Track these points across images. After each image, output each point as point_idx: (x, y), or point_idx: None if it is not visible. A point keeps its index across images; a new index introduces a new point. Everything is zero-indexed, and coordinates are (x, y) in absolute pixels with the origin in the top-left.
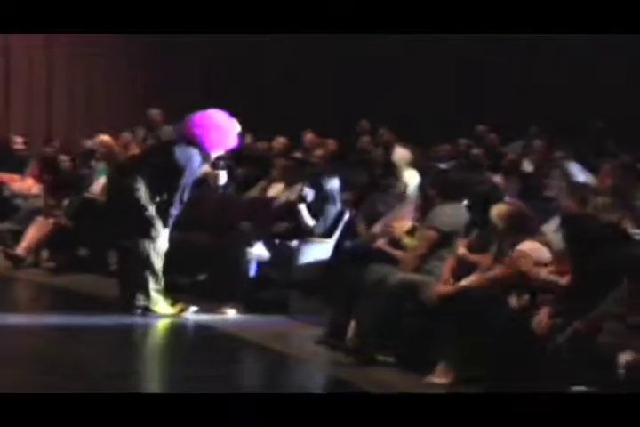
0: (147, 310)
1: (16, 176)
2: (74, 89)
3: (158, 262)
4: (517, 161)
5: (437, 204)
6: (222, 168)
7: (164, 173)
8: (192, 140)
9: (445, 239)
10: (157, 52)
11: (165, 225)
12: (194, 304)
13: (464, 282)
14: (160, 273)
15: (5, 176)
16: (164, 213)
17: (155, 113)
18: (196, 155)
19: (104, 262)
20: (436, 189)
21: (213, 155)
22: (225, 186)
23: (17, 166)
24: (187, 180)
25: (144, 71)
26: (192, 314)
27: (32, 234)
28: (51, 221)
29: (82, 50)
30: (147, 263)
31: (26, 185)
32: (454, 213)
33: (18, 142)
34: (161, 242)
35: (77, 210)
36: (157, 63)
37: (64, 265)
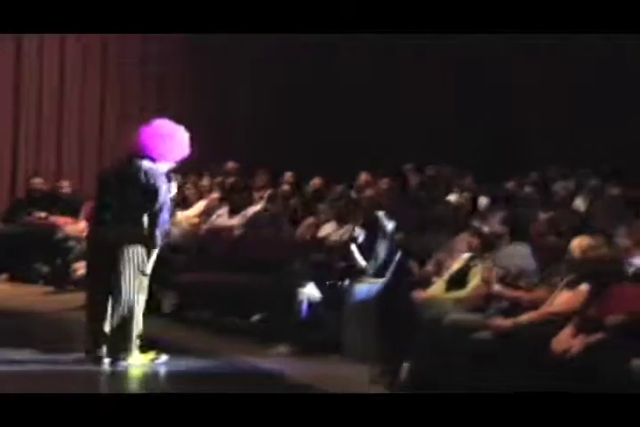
0: (117, 360)
1: (70, 219)
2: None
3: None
4: (569, 198)
5: (505, 243)
6: (172, 180)
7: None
8: (145, 154)
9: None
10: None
11: (150, 255)
12: (246, 345)
13: (524, 317)
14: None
15: (60, 219)
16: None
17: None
18: (159, 169)
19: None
20: (508, 229)
21: (165, 167)
22: (278, 226)
23: (67, 209)
24: (164, 198)
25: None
26: (244, 353)
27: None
28: None
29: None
30: (133, 305)
31: (78, 228)
32: (524, 253)
33: (65, 186)
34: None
35: None
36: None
37: None
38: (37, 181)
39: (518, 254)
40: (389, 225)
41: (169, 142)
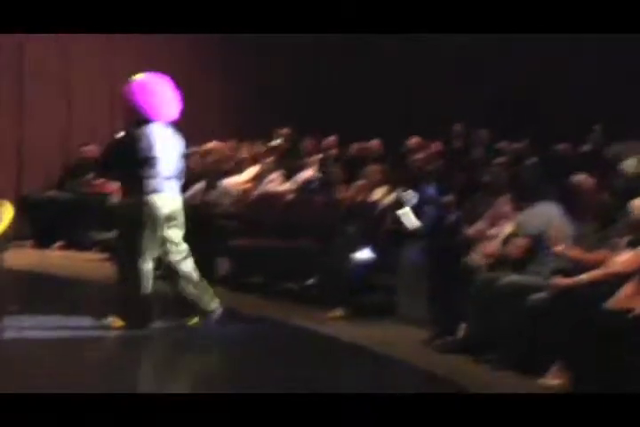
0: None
1: None
2: None
3: None
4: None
5: (525, 206)
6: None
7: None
8: (134, 109)
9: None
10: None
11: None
12: (300, 310)
13: (585, 276)
14: None
15: (112, 185)
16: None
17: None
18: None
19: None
20: (521, 189)
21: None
22: (330, 190)
23: None
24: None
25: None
26: (299, 318)
27: None
28: None
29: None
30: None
31: None
32: (542, 213)
33: None
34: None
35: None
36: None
37: None
38: (88, 149)
39: (545, 215)
40: (439, 189)
41: (155, 99)
